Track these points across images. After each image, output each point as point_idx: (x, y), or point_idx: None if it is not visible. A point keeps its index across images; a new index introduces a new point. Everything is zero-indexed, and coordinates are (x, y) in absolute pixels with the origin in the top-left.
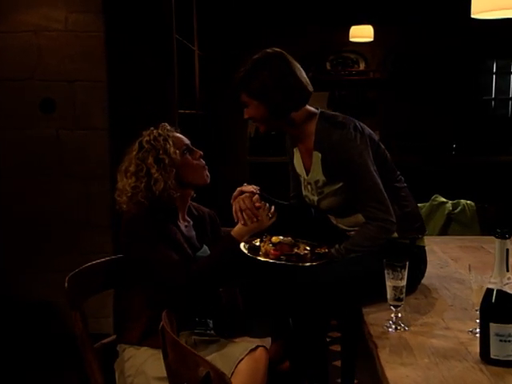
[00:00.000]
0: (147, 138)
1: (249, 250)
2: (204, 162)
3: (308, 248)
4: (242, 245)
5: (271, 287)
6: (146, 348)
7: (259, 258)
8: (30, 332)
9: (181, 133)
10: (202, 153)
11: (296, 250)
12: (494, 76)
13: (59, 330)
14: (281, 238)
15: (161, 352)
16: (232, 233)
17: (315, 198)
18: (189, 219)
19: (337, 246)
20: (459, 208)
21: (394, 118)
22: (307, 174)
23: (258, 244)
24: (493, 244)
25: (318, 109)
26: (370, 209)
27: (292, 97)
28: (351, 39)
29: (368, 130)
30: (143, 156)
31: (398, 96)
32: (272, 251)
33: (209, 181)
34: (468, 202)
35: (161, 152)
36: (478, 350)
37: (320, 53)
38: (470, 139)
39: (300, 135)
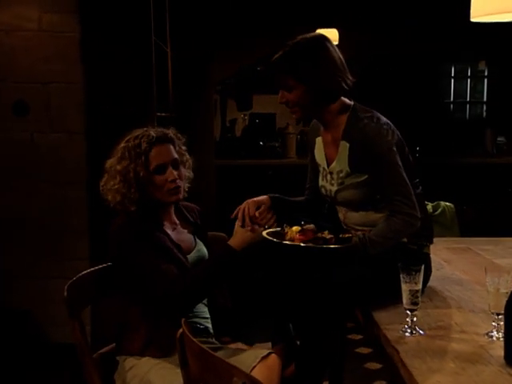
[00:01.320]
0: (127, 144)
1: (273, 235)
2: (176, 184)
3: (331, 235)
4: (264, 232)
5: (273, 290)
6: (147, 358)
7: (286, 242)
8: (8, 341)
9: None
10: (176, 176)
11: (321, 235)
12: (453, 80)
13: (38, 339)
14: (299, 228)
15: (165, 361)
16: (229, 242)
17: (334, 189)
18: (177, 221)
19: (360, 234)
20: (439, 210)
21: None
22: (329, 164)
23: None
24: (479, 245)
25: (351, 100)
26: (396, 202)
27: (338, 84)
28: None
29: (397, 130)
30: (116, 160)
31: (361, 99)
32: (297, 236)
33: (174, 198)
34: (447, 203)
35: (130, 165)
36: (500, 353)
37: None
38: (432, 142)
39: (330, 124)
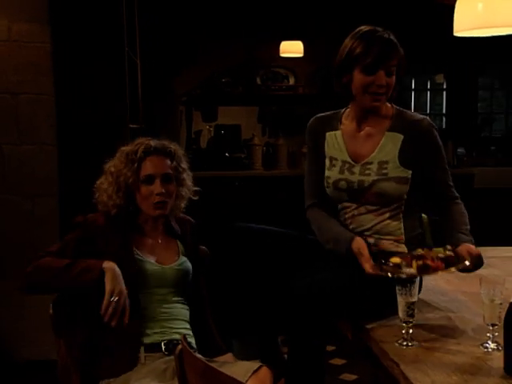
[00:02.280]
0: (126, 149)
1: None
2: (161, 198)
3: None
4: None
5: (259, 304)
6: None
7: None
8: None
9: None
10: (161, 190)
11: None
12: (413, 93)
13: (6, 358)
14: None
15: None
16: (105, 262)
17: (370, 178)
18: (162, 233)
19: (462, 234)
20: None
21: None
22: (354, 156)
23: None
24: None
25: None
26: (452, 189)
27: None
28: (281, 54)
29: None
30: (113, 162)
31: (328, 111)
32: (440, 264)
33: (157, 213)
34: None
35: (123, 169)
36: (498, 364)
37: (250, 67)
38: None
39: (377, 115)
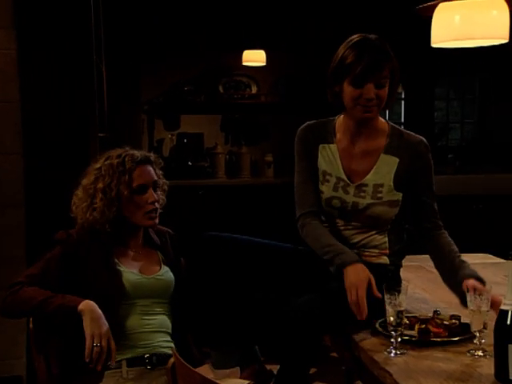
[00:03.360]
0: (110, 162)
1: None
2: (154, 206)
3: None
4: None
5: (233, 314)
6: None
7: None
8: None
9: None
10: (155, 198)
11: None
12: None
13: None
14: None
15: None
16: (82, 303)
17: (365, 201)
18: (142, 244)
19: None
20: None
21: (286, 142)
22: (350, 175)
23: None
24: (428, 262)
25: None
26: (437, 216)
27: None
28: (244, 63)
29: None
30: (97, 177)
31: (291, 120)
32: (441, 331)
33: (151, 223)
34: None
35: (112, 183)
36: (488, 371)
37: (213, 76)
38: None
39: (370, 131)
